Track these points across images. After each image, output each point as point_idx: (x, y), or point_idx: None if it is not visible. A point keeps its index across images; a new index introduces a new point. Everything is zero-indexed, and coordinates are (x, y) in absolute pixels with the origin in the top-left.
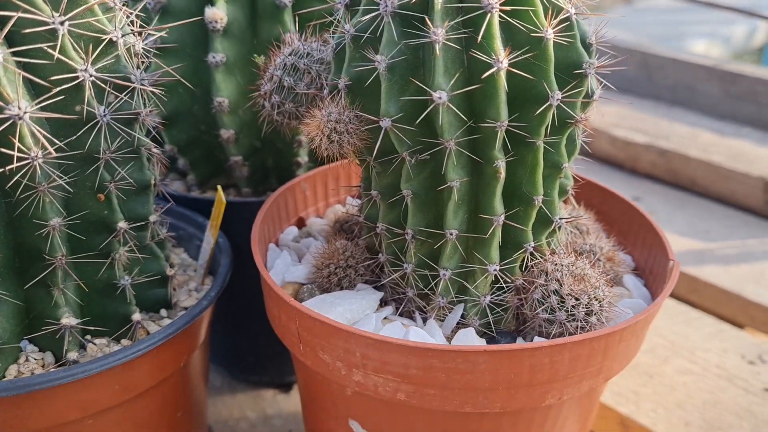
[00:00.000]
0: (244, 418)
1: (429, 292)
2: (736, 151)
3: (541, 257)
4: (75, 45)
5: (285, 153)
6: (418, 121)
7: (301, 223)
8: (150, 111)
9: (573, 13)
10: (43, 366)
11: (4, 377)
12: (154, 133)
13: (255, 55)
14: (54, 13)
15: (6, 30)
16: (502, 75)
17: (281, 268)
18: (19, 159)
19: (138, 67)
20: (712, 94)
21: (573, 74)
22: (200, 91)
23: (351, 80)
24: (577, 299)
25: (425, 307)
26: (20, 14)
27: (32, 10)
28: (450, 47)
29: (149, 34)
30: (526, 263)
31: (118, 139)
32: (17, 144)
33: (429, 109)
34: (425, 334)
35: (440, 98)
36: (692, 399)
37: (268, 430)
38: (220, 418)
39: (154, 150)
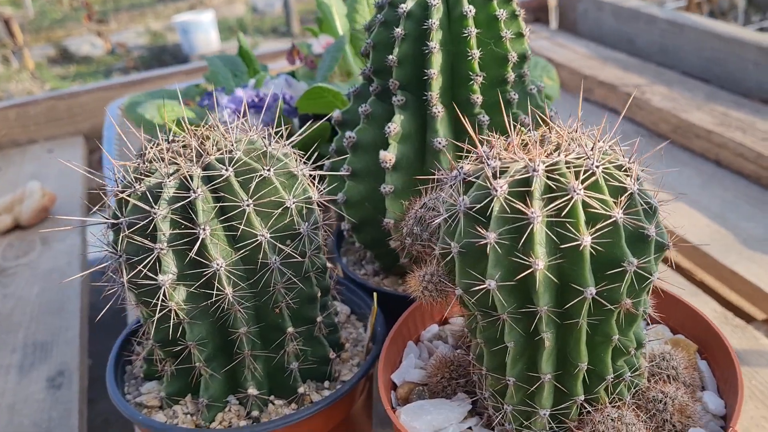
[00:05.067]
0: None
1: (500, 416)
2: None
3: (593, 407)
4: (257, 216)
5: None
6: (474, 299)
7: (445, 322)
8: (316, 249)
9: (619, 216)
10: (238, 416)
11: (213, 421)
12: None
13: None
14: (244, 197)
15: (212, 213)
16: (540, 274)
17: (404, 368)
18: (217, 295)
19: (305, 220)
20: None
21: (612, 273)
22: (382, 205)
23: (441, 251)
24: None
25: (503, 425)
26: (221, 204)
27: (231, 198)
28: (498, 248)
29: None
30: (581, 411)
31: (286, 276)
32: (216, 285)
33: (482, 292)
34: None
35: (491, 285)
36: None
37: None
38: None
39: (329, 265)
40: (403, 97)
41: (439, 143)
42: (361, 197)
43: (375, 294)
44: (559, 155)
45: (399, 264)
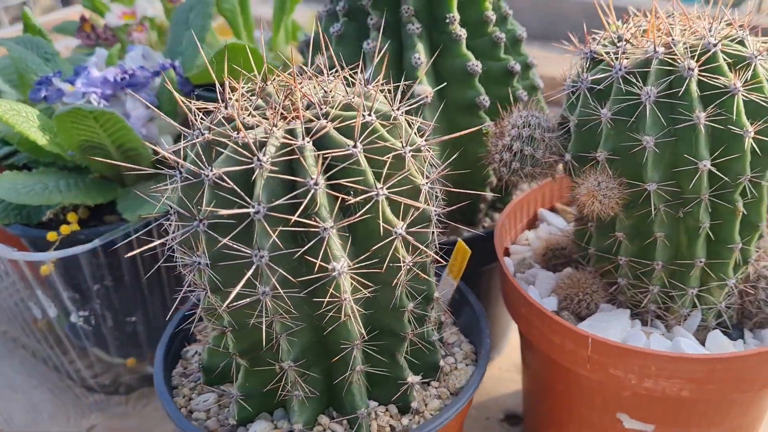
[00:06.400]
0: None
1: (671, 305)
2: None
3: (754, 264)
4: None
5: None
6: (691, 185)
7: (506, 253)
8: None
9: None
10: (391, 416)
11: None
12: None
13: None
14: (377, 185)
15: (352, 219)
16: (750, 141)
17: (535, 299)
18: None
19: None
20: None
21: None
22: None
23: (611, 153)
24: None
25: (665, 316)
26: (354, 199)
27: (364, 189)
28: (713, 125)
29: None
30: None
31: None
32: (340, 290)
33: (697, 176)
34: (690, 342)
35: (705, 166)
36: None
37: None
38: None
39: None
40: (419, 26)
41: (474, 66)
42: None
43: (460, 240)
44: (710, 31)
45: None
